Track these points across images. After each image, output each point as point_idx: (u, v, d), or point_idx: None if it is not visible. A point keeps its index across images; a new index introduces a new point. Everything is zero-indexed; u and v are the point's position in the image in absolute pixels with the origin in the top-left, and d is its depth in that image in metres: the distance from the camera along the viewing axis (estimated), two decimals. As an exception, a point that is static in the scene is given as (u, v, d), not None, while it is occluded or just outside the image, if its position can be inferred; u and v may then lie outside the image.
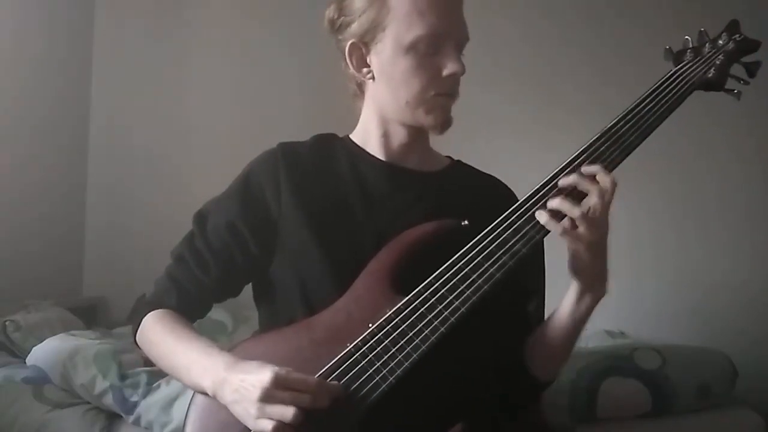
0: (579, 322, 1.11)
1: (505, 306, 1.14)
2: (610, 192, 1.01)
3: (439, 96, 1.14)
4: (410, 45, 1.11)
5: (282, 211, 1.17)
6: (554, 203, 1.02)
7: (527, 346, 1.18)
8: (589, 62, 2.74)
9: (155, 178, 3.06)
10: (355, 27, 1.15)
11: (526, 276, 1.17)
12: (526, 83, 2.81)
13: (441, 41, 1.12)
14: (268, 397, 0.96)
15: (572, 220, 1.01)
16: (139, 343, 1.20)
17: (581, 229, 1.00)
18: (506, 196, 1.25)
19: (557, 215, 1.02)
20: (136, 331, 1.19)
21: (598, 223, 1.01)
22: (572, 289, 1.10)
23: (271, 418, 0.95)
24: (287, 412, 0.95)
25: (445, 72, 1.12)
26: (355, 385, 1.01)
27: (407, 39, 1.11)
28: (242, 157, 1.28)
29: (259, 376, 0.97)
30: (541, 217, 1.02)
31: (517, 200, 1.08)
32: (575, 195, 1.03)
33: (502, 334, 1.18)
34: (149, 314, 1.17)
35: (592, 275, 1.06)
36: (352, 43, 1.16)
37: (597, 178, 1.02)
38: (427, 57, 1.12)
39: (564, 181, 1.04)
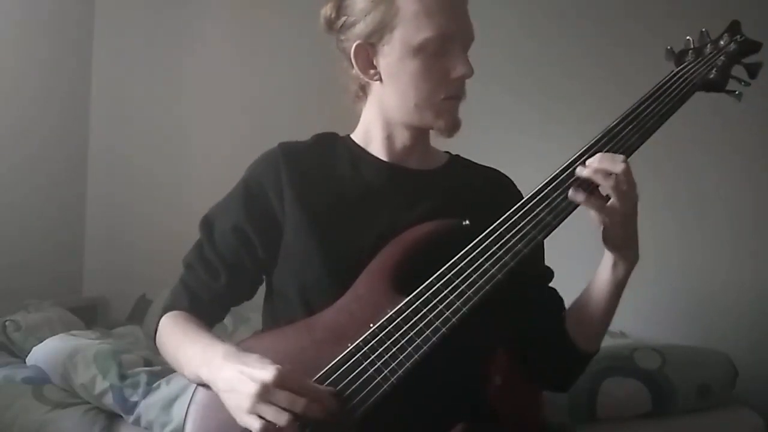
0: (618, 286, 1.13)
1: (505, 301, 1.13)
2: (627, 171, 1.02)
3: (448, 99, 1.13)
4: (419, 47, 1.10)
5: (285, 211, 1.17)
6: (588, 171, 1.03)
7: (567, 320, 1.19)
8: (589, 56, 2.73)
9: (155, 178, 3.06)
10: (360, 27, 1.13)
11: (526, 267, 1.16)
12: (526, 77, 2.80)
13: (449, 42, 1.11)
14: (265, 394, 0.93)
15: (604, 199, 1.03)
16: (158, 347, 1.21)
17: (613, 201, 1.02)
18: (507, 188, 1.25)
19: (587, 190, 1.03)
20: (155, 335, 1.22)
21: (629, 195, 1.02)
22: (606, 258, 1.11)
23: (263, 417, 0.94)
24: (281, 417, 0.93)
25: (454, 74, 1.12)
26: (356, 386, 1.00)
27: (416, 40, 1.10)
28: (241, 161, 1.28)
29: (260, 371, 0.95)
30: (578, 195, 1.03)
31: (518, 190, 1.08)
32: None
33: (505, 328, 1.18)
34: (164, 317, 1.19)
35: (625, 245, 1.08)
36: (358, 44, 1.14)
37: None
38: (435, 59, 1.11)
39: (580, 171, 1.05)
